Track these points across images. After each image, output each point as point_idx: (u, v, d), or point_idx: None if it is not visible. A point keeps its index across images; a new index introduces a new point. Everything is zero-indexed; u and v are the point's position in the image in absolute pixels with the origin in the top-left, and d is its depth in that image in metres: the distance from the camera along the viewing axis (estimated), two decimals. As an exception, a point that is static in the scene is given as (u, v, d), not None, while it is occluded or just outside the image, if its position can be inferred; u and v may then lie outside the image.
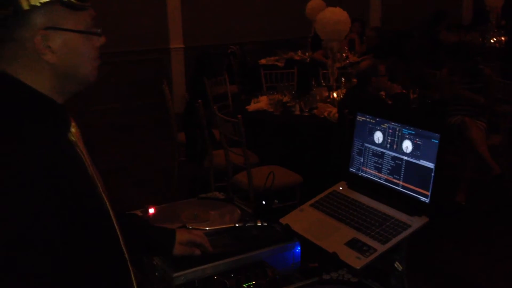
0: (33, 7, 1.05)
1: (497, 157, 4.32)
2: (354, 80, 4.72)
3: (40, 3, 1.05)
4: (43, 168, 1.03)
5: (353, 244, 1.59)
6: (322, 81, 5.33)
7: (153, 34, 7.65)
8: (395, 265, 1.56)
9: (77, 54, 1.13)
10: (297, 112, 4.40)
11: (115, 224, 1.23)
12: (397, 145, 1.71)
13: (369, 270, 1.56)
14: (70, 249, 1.06)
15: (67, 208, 1.06)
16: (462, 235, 3.85)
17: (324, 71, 5.55)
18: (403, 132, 1.69)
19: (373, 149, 1.80)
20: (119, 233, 1.24)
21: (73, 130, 1.18)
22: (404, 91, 4.44)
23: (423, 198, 1.62)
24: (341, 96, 4.53)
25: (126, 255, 1.26)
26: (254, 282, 1.56)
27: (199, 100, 4.13)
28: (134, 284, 1.29)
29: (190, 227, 1.74)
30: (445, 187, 4.41)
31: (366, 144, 1.83)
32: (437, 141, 1.58)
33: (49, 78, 1.11)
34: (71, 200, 1.08)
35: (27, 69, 1.09)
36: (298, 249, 1.73)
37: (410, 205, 1.64)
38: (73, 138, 1.16)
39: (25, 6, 1.04)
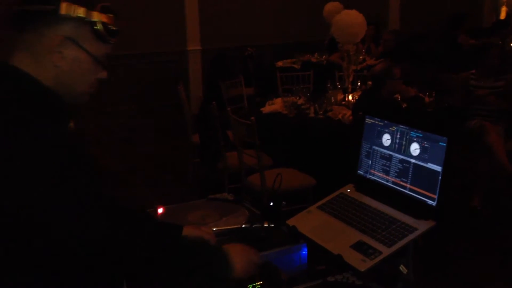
0: (68, 16, 1.16)
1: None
2: (369, 82, 4.70)
3: (76, 16, 1.16)
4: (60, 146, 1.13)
5: (359, 246, 1.59)
6: (337, 83, 5.31)
7: (171, 36, 7.71)
8: (400, 268, 1.55)
9: (81, 72, 1.23)
10: (312, 115, 4.39)
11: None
12: (405, 148, 1.70)
13: (374, 274, 1.56)
14: None
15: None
16: (477, 240, 3.80)
17: (340, 73, 5.53)
18: (411, 135, 1.68)
19: (381, 152, 1.79)
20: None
21: (71, 124, 1.26)
22: (420, 94, 4.42)
23: (430, 202, 1.61)
24: (356, 99, 4.51)
25: None
26: (259, 283, 1.56)
27: (213, 102, 4.15)
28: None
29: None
30: (461, 192, 4.37)
31: (374, 147, 1.82)
32: (444, 144, 1.57)
33: (52, 77, 1.20)
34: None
35: (35, 61, 1.18)
36: (305, 251, 1.73)
37: (417, 208, 1.63)
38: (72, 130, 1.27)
39: (63, 11, 1.15)
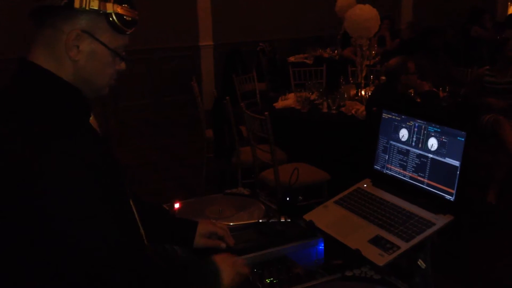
0: (82, 9, 1.15)
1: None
2: (383, 77, 4.68)
3: (90, 8, 1.15)
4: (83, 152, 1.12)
5: (377, 241, 1.59)
6: (350, 78, 5.30)
7: (183, 31, 7.73)
8: (419, 263, 1.55)
9: (99, 65, 1.22)
10: (325, 110, 4.38)
11: (134, 209, 1.32)
12: (422, 143, 1.70)
13: (392, 268, 1.56)
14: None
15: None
16: (492, 235, 3.78)
17: (353, 68, 5.51)
18: (429, 129, 1.67)
19: (398, 147, 1.79)
20: (137, 217, 1.32)
21: (91, 118, 1.26)
22: (434, 89, 4.39)
23: (448, 196, 1.60)
24: (369, 94, 4.50)
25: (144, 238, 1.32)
26: (277, 277, 1.57)
27: (227, 97, 4.16)
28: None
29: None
30: (476, 187, 4.34)
31: (391, 142, 1.82)
32: (463, 139, 1.57)
33: (71, 72, 1.19)
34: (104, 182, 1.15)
35: (53, 57, 1.18)
36: (322, 246, 1.74)
37: (434, 203, 1.63)
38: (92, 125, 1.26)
39: (76, 5, 1.14)
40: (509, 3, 10.33)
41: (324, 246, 1.73)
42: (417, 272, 1.62)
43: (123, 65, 1.28)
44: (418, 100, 3.90)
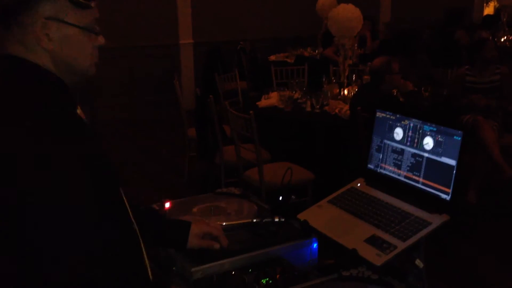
0: None
1: (509, 157, 4.29)
2: (366, 77, 4.70)
3: None
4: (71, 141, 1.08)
5: (373, 241, 1.58)
6: (332, 78, 5.31)
7: (163, 29, 7.65)
8: (416, 262, 1.55)
9: (76, 47, 1.17)
10: (308, 109, 4.39)
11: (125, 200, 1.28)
12: (417, 142, 1.69)
13: (389, 268, 1.55)
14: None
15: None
16: (471, 235, 3.82)
17: (335, 68, 5.53)
18: (424, 129, 1.67)
19: (392, 146, 1.78)
20: (127, 207, 1.28)
21: (78, 111, 1.21)
22: (415, 89, 4.42)
23: (443, 196, 1.60)
24: (352, 93, 4.51)
25: (138, 234, 1.29)
26: (272, 277, 1.55)
27: (211, 96, 4.12)
28: (148, 270, 1.29)
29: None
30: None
31: (385, 141, 1.81)
32: (459, 138, 1.57)
33: (50, 62, 1.15)
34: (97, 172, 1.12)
35: (30, 52, 1.14)
36: (316, 246, 1.72)
37: (430, 203, 1.63)
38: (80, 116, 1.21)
39: None
40: (484, 5, 10.51)
41: (318, 246, 1.72)
42: (412, 272, 1.62)
43: (101, 40, 1.23)
44: (401, 99, 3.92)
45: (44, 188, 1.02)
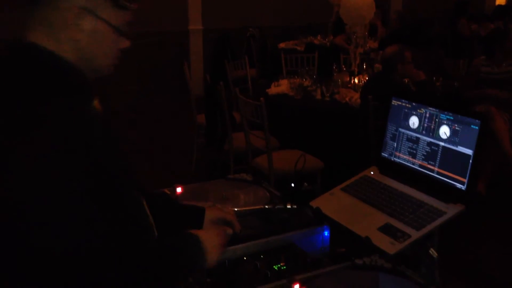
0: None
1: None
2: (377, 65, 4.66)
3: None
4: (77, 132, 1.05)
5: (387, 229, 1.57)
6: (343, 66, 5.27)
7: (172, 15, 7.61)
8: (430, 252, 1.54)
9: (101, 44, 1.14)
10: (318, 97, 4.36)
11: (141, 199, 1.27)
12: (433, 131, 1.67)
13: (402, 257, 1.54)
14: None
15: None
16: (480, 226, 3.80)
17: (345, 56, 5.49)
18: (441, 117, 1.65)
19: (408, 134, 1.76)
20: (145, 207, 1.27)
21: (96, 102, 1.19)
22: (427, 79, 4.38)
23: (459, 185, 1.59)
24: (363, 82, 4.48)
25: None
26: (284, 264, 1.54)
27: (221, 82, 4.10)
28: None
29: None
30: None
31: (400, 129, 1.79)
32: (477, 128, 1.55)
33: (73, 52, 1.12)
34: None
35: (52, 37, 1.10)
36: (327, 233, 1.71)
37: (445, 192, 1.61)
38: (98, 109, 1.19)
39: None
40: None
41: (330, 233, 1.71)
42: (424, 262, 1.61)
43: (127, 43, 1.20)
44: (413, 89, 3.88)
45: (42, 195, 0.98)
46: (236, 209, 1.74)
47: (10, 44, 1.11)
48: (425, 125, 1.70)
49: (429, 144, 1.68)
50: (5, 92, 1.04)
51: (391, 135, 1.82)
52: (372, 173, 1.85)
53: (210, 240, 1.29)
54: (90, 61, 1.15)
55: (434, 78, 4.52)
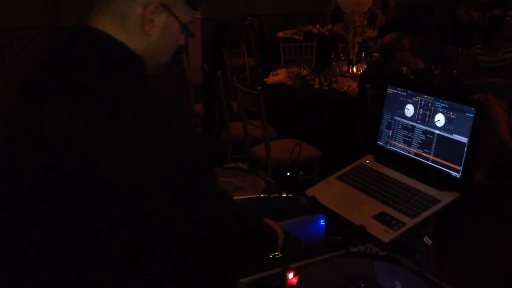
0: None
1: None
2: (375, 54, 4.64)
3: None
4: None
5: (381, 217, 1.57)
6: (341, 55, 5.25)
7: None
8: (424, 239, 1.54)
9: (169, 41, 1.15)
10: (316, 86, 4.34)
11: None
12: (429, 119, 1.67)
13: (394, 245, 1.54)
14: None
15: None
16: (479, 214, 3.81)
17: (344, 45, 5.47)
18: (436, 105, 1.64)
19: (403, 122, 1.76)
20: None
21: None
22: (426, 67, 4.36)
23: (454, 173, 1.59)
24: (361, 71, 4.46)
25: None
26: (279, 252, 1.54)
27: (218, 72, 4.09)
28: None
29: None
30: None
31: (395, 117, 1.79)
32: (472, 115, 1.54)
33: (142, 47, 1.11)
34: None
35: (124, 29, 1.09)
36: (323, 222, 1.72)
37: (440, 180, 1.61)
38: None
39: None
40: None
41: (325, 222, 1.71)
42: (419, 249, 1.61)
43: (183, 41, 1.21)
44: (412, 77, 3.87)
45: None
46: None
47: (79, 31, 1.10)
48: (420, 113, 1.69)
49: (424, 132, 1.68)
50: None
51: (386, 123, 1.82)
52: (367, 161, 1.85)
53: (277, 228, 1.45)
54: (156, 56, 1.15)
55: (433, 66, 4.50)
